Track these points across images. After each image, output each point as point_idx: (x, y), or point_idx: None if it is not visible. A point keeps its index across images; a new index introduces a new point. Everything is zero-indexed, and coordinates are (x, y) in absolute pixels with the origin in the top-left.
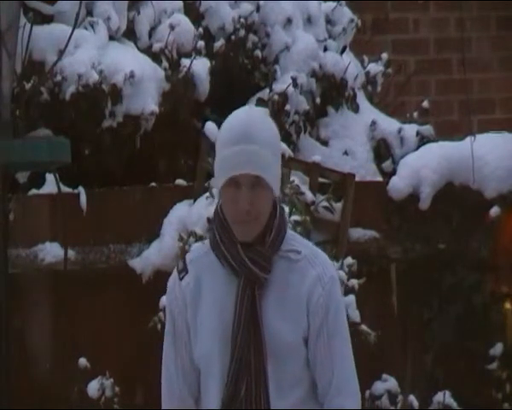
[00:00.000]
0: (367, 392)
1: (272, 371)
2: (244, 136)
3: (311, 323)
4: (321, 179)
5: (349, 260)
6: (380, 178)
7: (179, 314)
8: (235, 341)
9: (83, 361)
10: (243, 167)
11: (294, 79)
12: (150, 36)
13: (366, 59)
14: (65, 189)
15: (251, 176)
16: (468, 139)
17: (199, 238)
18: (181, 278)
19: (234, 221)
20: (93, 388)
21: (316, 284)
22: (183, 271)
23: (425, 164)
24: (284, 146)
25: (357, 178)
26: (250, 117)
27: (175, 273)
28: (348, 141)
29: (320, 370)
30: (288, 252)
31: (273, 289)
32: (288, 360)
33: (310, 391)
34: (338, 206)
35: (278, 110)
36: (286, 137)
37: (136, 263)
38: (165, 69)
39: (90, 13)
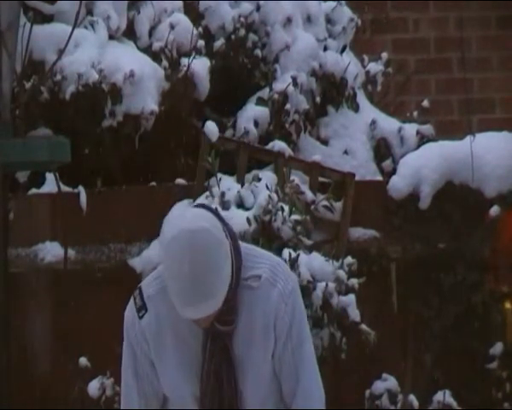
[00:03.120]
0: (367, 392)
1: (246, 397)
2: (190, 295)
3: (277, 337)
4: (321, 179)
5: (349, 259)
6: (380, 178)
7: (141, 350)
8: (205, 394)
9: (83, 361)
10: (194, 316)
11: (294, 79)
12: (150, 35)
13: (366, 58)
14: (65, 188)
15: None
16: (468, 138)
17: None
18: (140, 317)
19: None
20: (93, 387)
21: (279, 301)
22: (143, 309)
23: (425, 163)
24: (284, 145)
25: (357, 178)
26: (192, 254)
27: (133, 310)
28: (348, 140)
29: (286, 380)
30: (247, 280)
31: (241, 324)
32: (262, 383)
33: (279, 402)
34: (338, 205)
35: (278, 109)
36: (286, 137)
37: (136, 262)
38: (165, 68)
39: (89, 12)
